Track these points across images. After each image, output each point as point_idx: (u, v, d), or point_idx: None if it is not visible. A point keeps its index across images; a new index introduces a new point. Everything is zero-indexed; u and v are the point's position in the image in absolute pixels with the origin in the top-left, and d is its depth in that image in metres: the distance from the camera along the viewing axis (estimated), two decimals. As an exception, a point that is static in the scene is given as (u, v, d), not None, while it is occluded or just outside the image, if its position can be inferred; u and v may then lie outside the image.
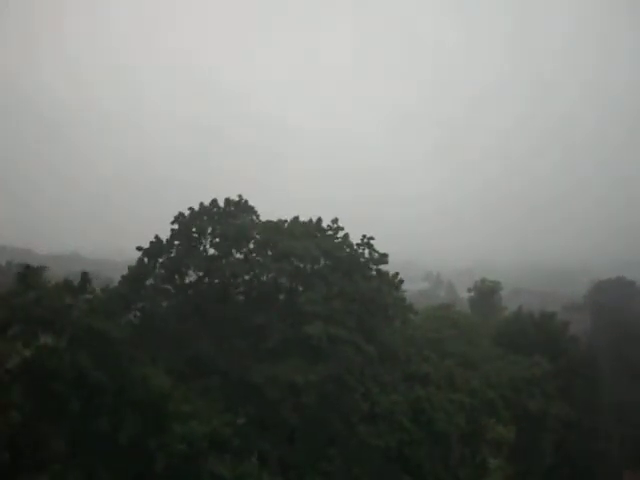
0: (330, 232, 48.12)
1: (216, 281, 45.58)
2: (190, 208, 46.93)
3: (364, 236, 47.86)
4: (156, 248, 45.48)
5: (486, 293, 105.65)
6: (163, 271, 45.46)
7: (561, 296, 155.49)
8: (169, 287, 45.51)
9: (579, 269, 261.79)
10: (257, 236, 46.11)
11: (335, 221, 48.41)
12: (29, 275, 37.67)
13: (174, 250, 45.64)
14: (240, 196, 48.70)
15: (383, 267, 48.68)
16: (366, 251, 47.64)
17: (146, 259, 45.41)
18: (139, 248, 45.50)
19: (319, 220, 48.54)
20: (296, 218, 48.75)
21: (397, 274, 48.70)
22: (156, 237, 45.68)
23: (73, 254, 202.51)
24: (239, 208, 48.32)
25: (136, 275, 45.03)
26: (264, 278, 45.18)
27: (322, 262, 46.08)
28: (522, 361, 58.15)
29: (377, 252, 47.64)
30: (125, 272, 46.58)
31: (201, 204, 47.32)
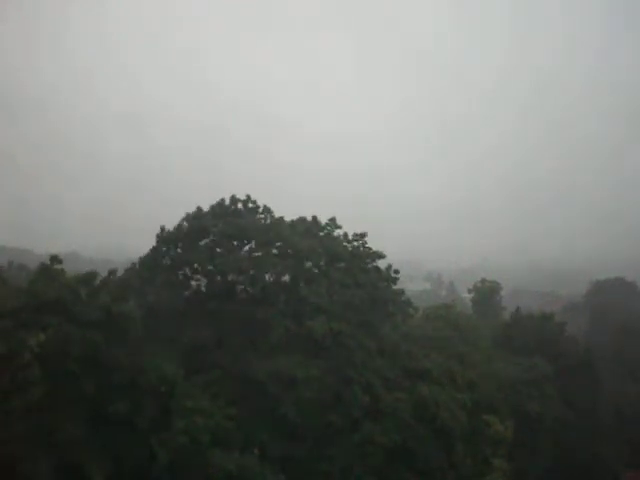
0: (329, 229, 48.81)
1: (219, 277, 45.84)
2: (199, 208, 47.36)
3: (356, 233, 48.87)
4: (170, 237, 45.91)
5: (486, 293, 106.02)
6: (170, 263, 45.86)
7: (561, 296, 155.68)
8: (174, 281, 45.82)
9: (579, 269, 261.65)
10: (261, 235, 46.45)
11: (333, 220, 49.29)
12: (51, 268, 38.59)
13: (181, 245, 46.02)
14: (248, 196, 49.09)
15: (382, 265, 49.29)
16: (360, 247, 48.22)
17: (162, 247, 45.94)
18: (162, 228, 46.17)
19: (315, 218, 49.39)
20: (301, 218, 49.48)
21: (390, 266, 49.07)
22: (178, 226, 46.18)
23: (73, 254, 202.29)
24: (248, 207, 48.75)
25: (147, 264, 45.43)
26: (267, 275, 45.48)
27: (324, 259, 46.67)
28: (521, 362, 58.26)
29: (370, 248, 48.31)
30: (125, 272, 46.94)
31: (212, 206, 47.77)
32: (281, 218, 49.19)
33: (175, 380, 36.21)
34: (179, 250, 46.05)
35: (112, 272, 40.67)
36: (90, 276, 39.36)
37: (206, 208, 48.17)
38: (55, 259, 39.31)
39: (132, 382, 35.01)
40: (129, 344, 36.17)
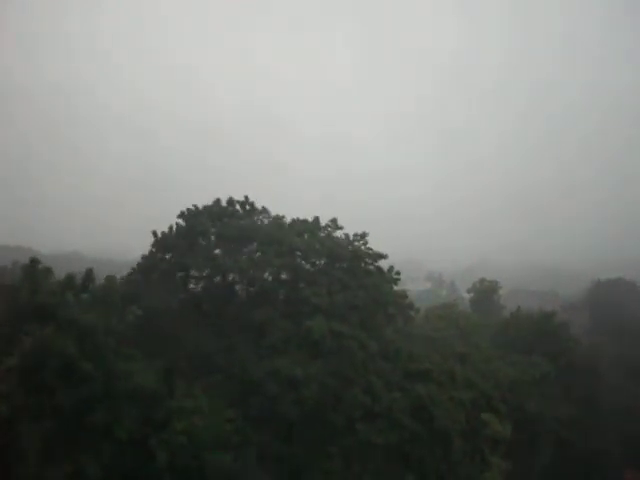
0: (329, 230, 48.84)
1: (218, 279, 45.88)
2: (194, 206, 47.34)
3: (356, 234, 48.79)
4: (167, 241, 45.87)
5: (485, 293, 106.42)
6: (168, 266, 45.86)
7: (561, 296, 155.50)
8: (172, 283, 45.84)
9: (579, 269, 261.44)
10: (261, 235, 46.48)
11: (334, 221, 49.27)
12: (34, 271, 38.32)
13: (178, 248, 46.00)
14: (246, 197, 49.19)
15: (384, 265, 49.26)
16: (362, 247, 48.28)
17: (157, 252, 45.91)
18: (154, 233, 45.88)
19: (317, 219, 49.35)
20: (302, 219, 49.55)
21: (392, 267, 49.19)
22: (169, 228, 46.10)
23: (74, 253, 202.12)
24: (246, 208, 48.83)
25: (144, 269, 45.44)
26: (266, 275, 45.48)
27: (324, 258, 46.67)
28: (521, 362, 58.43)
29: (370, 249, 48.39)
30: (126, 272, 47.15)
31: (207, 206, 47.72)
32: (280, 217, 49.26)
33: (155, 388, 35.98)
34: (176, 253, 46.02)
35: (89, 272, 40.30)
36: (70, 279, 39.07)
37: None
38: (35, 261, 38.94)
39: (107, 392, 34.89)
40: (106, 355, 35.98)
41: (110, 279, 41.79)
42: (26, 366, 33.95)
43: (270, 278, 45.65)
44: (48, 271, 39.12)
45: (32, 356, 33.92)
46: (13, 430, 32.65)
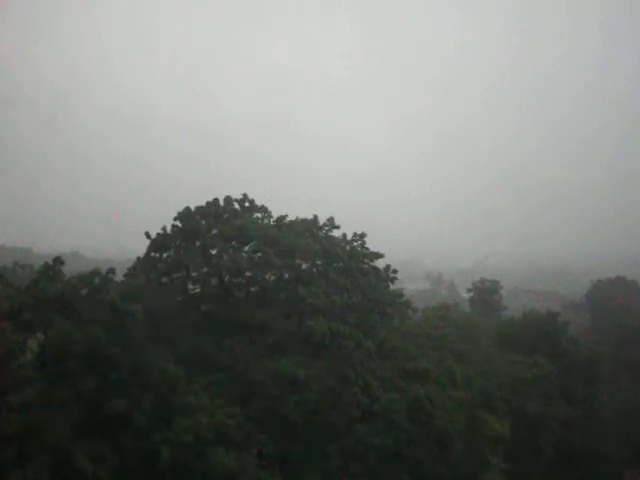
0: (327, 229, 48.93)
1: (216, 279, 45.70)
2: (188, 207, 47.09)
3: (355, 233, 48.74)
4: (163, 241, 45.68)
5: (485, 293, 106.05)
6: (165, 266, 45.65)
7: (561, 296, 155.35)
8: (171, 283, 45.68)
9: (579, 269, 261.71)
10: (261, 234, 46.36)
11: (331, 220, 49.30)
12: (54, 266, 38.70)
13: (175, 247, 45.82)
14: (245, 195, 48.96)
15: (381, 265, 49.37)
16: (359, 248, 48.31)
17: (153, 253, 45.63)
18: (147, 234, 45.67)
19: (315, 217, 49.36)
20: (302, 219, 49.51)
21: (389, 266, 49.15)
22: (163, 229, 45.91)
23: (73, 253, 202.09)
24: (245, 207, 48.63)
25: (141, 270, 45.27)
26: (267, 275, 45.38)
27: (322, 259, 46.68)
28: (522, 361, 58.17)
29: (368, 248, 48.48)
30: (125, 271, 46.89)
31: (207, 203, 47.57)
32: (280, 217, 49.15)
33: (176, 378, 36.28)
34: (173, 253, 45.82)
35: (111, 271, 40.63)
36: (92, 275, 39.49)
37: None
38: (58, 260, 39.47)
39: (132, 380, 35.05)
40: (131, 342, 36.24)
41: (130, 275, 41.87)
42: (52, 352, 33.98)
43: (271, 278, 45.43)
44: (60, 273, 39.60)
45: (58, 342, 33.97)
46: (40, 416, 32.43)
